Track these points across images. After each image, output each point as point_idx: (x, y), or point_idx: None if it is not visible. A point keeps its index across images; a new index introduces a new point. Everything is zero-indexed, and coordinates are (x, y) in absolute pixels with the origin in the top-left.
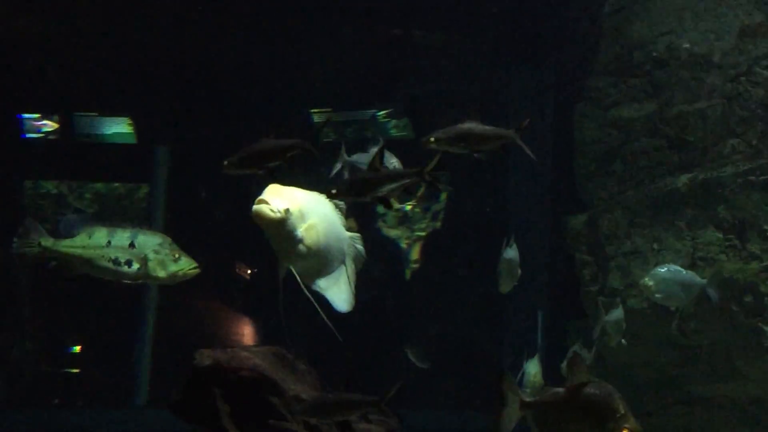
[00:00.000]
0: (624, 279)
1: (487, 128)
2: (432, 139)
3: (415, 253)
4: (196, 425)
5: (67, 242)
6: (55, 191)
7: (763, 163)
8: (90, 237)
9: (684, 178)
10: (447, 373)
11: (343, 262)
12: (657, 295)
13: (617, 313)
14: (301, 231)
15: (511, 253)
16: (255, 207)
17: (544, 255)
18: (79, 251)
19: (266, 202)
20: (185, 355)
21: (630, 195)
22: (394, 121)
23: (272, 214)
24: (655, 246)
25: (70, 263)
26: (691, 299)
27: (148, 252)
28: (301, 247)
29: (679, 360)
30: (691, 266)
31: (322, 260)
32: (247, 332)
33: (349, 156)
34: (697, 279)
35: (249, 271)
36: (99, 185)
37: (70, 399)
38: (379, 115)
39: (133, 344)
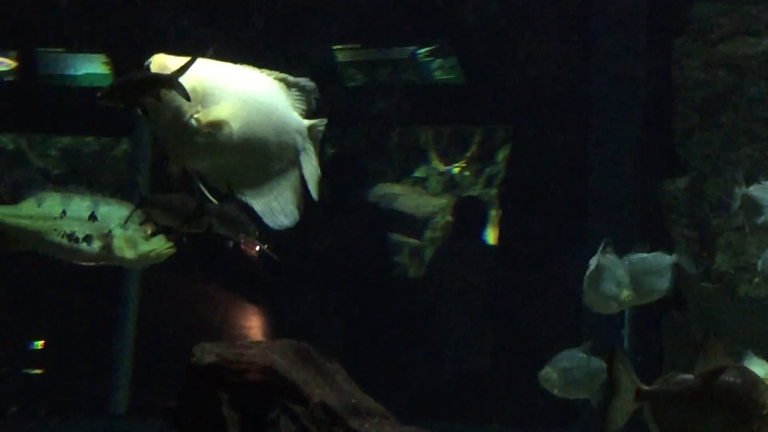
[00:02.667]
0: (735, 260)
1: (147, 74)
2: (98, 94)
3: None
4: None
5: (9, 210)
6: (11, 147)
7: None
8: (39, 204)
9: None
10: (509, 382)
11: (294, 162)
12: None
13: None
14: (196, 117)
15: (603, 260)
16: None
17: (632, 230)
18: (24, 222)
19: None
20: (179, 350)
21: (744, 153)
22: (438, 61)
23: None
24: None
25: (10, 236)
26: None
27: (113, 227)
28: (199, 139)
29: None
30: None
31: (246, 160)
32: (258, 326)
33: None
34: (666, 258)
35: (258, 247)
36: (67, 140)
37: (31, 406)
38: (419, 54)
39: (111, 338)
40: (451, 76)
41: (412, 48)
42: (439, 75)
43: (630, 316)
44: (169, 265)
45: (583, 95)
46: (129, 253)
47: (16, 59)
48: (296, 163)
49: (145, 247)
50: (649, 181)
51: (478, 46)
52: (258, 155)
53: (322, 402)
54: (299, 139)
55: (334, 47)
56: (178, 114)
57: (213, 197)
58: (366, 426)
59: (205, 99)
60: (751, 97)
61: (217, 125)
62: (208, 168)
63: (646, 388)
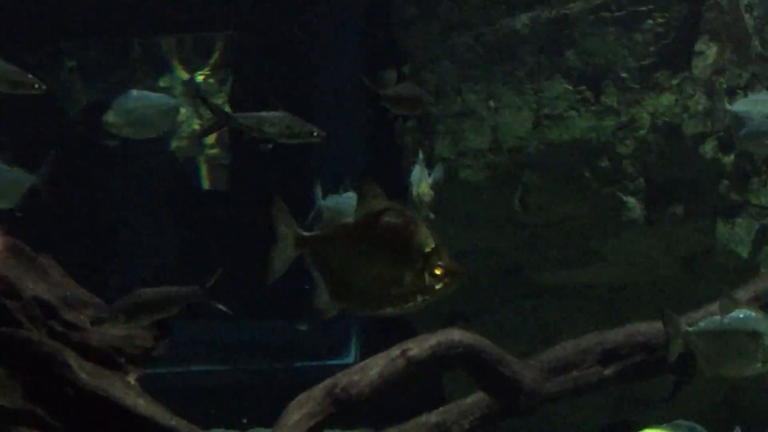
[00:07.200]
0: (454, 146)
1: None
2: None
3: (212, 137)
4: None
5: None
6: None
7: None
8: None
9: (524, 18)
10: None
11: None
12: None
13: (418, 173)
14: None
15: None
16: None
17: (357, 122)
18: None
19: None
20: None
21: (459, 42)
22: None
23: None
24: (491, 103)
25: None
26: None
27: None
28: None
29: (524, 244)
30: (536, 126)
31: None
32: None
33: None
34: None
35: None
36: None
37: None
38: None
39: None
40: None
41: None
42: None
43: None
44: None
45: None
46: None
47: None
48: None
49: None
50: (373, 72)
51: None
52: None
53: (35, 296)
54: None
55: None
56: None
57: None
58: (81, 317)
59: None
60: None
61: None
62: None
63: (305, 234)
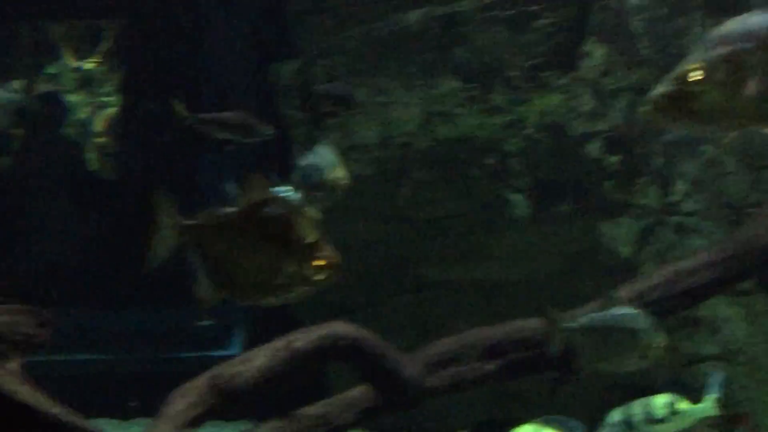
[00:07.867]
0: (344, 140)
1: None
2: None
3: (99, 124)
4: None
5: None
6: None
7: None
8: None
9: (415, 14)
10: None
11: None
12: None
13: (328, 157)
14: None
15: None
16: None
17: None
18: None
19: None
20: None
21: (350, 36)
22: None
23: None
24: (381, 98)
25: None
26: None
27: None
28: None
29: (410, 238)
30: (426, 123)
31: None
32: None
33: None
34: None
35: None
36: None
37: None
38: None
39: None
40: None
41: None
42: None
43: None
44: None
45: None
46: None
47: None
48: None
49: None
50: (265, 65)
51: None
52: None
53: None
54: None
55: None
56: None
57: None
58: None
59: None
60: None
61: None
62: None
63: (186, 222)
